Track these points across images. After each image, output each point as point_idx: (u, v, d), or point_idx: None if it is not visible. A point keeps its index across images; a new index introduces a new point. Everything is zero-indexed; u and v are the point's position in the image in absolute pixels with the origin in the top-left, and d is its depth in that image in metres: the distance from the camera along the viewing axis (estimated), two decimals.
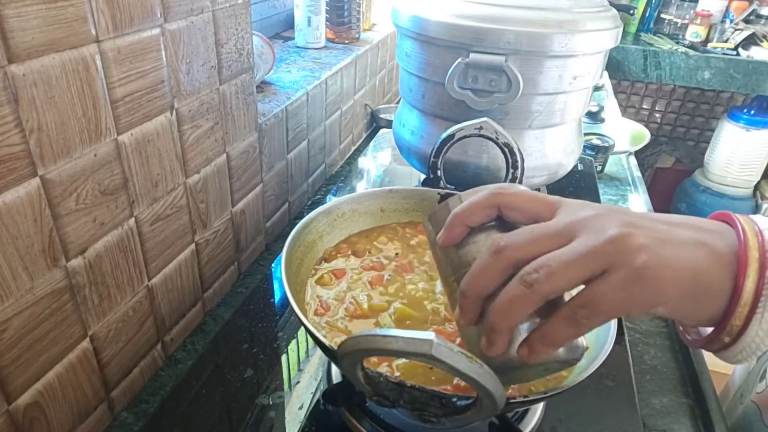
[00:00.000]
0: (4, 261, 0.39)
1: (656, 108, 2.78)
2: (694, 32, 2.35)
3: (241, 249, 0.75)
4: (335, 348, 0.36)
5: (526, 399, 0.38)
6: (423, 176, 0.91)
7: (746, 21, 2.35)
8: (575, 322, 0.31)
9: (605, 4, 0.72)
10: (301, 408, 0.54)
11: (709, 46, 2.29)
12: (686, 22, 2.42)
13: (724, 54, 2.19)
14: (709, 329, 0.35)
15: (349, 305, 0.51)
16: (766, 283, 0.31)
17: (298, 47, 1.09)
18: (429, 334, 0.30)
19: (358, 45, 1.15)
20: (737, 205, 2.59)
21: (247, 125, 0.69)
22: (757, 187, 2.60)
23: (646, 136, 1.29)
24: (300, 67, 0.97)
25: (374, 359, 0.44)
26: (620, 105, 2.50)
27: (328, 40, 1.15)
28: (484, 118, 0.61)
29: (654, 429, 0.57)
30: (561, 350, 0.34)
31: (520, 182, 0.62)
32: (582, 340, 0.36)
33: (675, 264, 0.31)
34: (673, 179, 2.80)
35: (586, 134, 1.04)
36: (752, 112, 2.41)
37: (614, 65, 2.26)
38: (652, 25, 2.53)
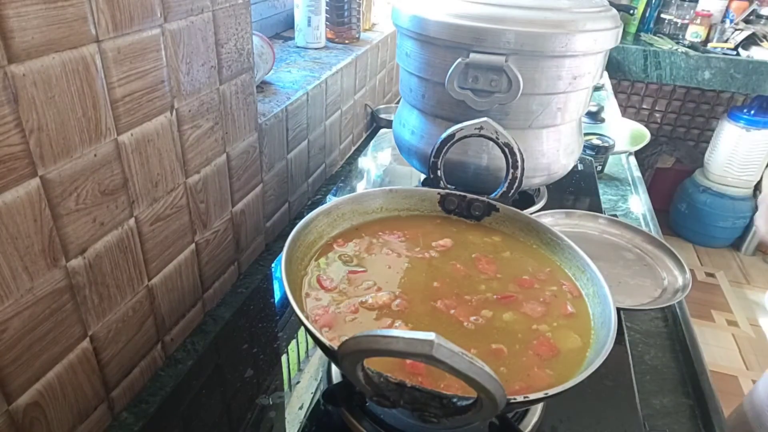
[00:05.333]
0: (4, 261, 0.39)
1: (656, 108, 2.78)
2: (694, 32, 2.35)
3: (241, 249, 0.75)
4: (335, 348, 0.36)
5: (526, 399, 0.38)
6: (423, 176, 0.91)
7: (746, 21, 2.36)
8: None
9: (605, 4, 0.72)
10: (301, 408, 0.54)
11: (709, 46, 2.29)
12: (686, 22, 2.42)
13: (724, 54, 2.19)
14: None
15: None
16: None
17: (298, 47, 1.09)
18: (429, 335, 0.30)
19: (358, 45, 1.15)
20: (737, 205, 2.59)
21: (247, 125, 0.69)
22: (757, 187, 2.60)
23: (646, 136, 1.29)
24: (300, 67, 0.97)
25: None
26: (620, 105, 2.50)
27: (328, 40, 1.15)
28: (485, 118, 0.61)
29: (654, 429, 0.57)
30: None
31: (520, 182, 0.62)
32: None
33: None
34: (673, 179, 2.80)
35: (586, 134, 1.04)
36: (752, 112, 2.41)
37: (614, 65, 2.25)
38: (652, 25, 2.53)
